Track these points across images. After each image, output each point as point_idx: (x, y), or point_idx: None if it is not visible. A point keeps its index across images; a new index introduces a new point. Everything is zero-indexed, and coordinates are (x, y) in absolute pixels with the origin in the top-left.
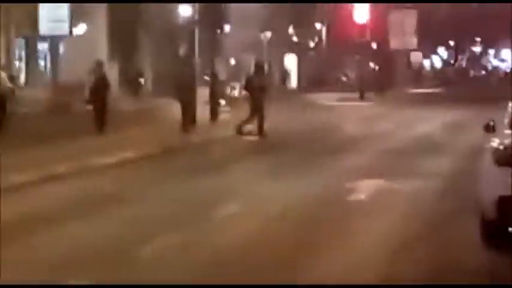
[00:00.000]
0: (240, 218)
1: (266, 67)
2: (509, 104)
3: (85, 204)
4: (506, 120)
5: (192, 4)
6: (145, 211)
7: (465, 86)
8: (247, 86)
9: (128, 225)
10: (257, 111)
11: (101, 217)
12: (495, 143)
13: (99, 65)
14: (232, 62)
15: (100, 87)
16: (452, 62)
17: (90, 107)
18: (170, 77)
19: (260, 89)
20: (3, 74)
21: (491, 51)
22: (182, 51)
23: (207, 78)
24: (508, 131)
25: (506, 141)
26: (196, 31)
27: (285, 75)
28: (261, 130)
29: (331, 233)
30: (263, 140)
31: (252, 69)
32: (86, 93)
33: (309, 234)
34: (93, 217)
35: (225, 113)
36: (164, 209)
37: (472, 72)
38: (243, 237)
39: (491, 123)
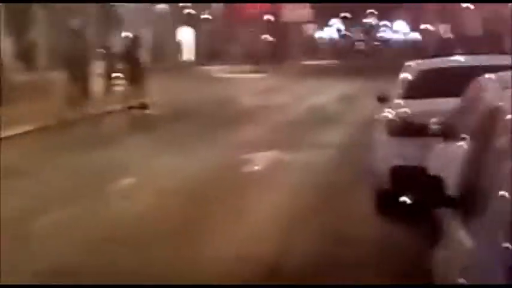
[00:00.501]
0: (133, 191)
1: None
2: (401, 75)
3: None
4: (398, 91)
5: None
6: (37, 185)
7: (356, 59)
8: (122, 60)
9: (21, 199)
10: (133, 84)
11: None
12: (387, 113)
13: None
14: (125, 35)
15: None
16: (346, 34)
17: None
18: (61, 50)
19: (136, 61)
20: None
21: (385, 23)
22: (77, 23)
23: (102, 51)
24: (399, 101)
25: (398, 111)
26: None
27: (179, 47)
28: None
29: (225, 206)
30: (157, 112)
31: (129, 42)
32: None
33: (203, 207)
34: None
35: (120, 86)
36: (57, 182)
37: (365, 44)
38: (136, 212)
39: (384, 94)
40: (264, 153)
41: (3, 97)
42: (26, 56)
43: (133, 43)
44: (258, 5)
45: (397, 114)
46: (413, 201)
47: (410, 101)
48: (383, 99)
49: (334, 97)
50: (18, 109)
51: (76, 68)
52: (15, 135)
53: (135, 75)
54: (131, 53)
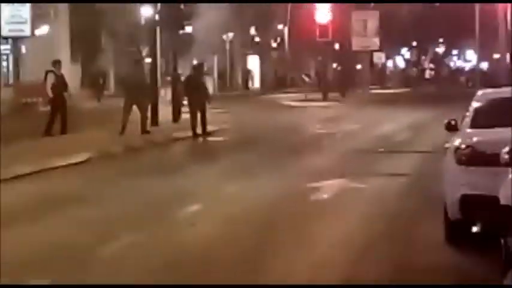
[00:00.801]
0: (201, 218)
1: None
2: (471, 104)
3: (45, 204)
4: (468, 120)
5: (153, 4)
6: (103, 211)
7: (428, 87)
8: (186, 88)
9: (88, 225)
10: (197, 111)
11: (61, 217)
12: (456, 142)
13: (56, 64)
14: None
15: (58, 86)
16: (415, 62)
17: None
18: (128, 78)
19: (199, 89)
20: None
21: (455, 52)
22: (144, 52)
23: (169, 78)
24: (468, 130)
25: (468, 140)
26: (158, 32)
27: (247, 76)
28: (204, 130)
29: (294, 232)
30: (224, 140)
31: (191, 70)
32: (48, 93)
33: (272, 234)
34: (53, 217)
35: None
36: (123, 209)
37: (435, 73)
38: (204, 238)
39: (453, 122)
40: (332, 182)
41: (71, 124)
42: (93, 83)
43: (197, 70)
44: (328, 33)
45: (466, 143)
46: (484, 230)
47: (480, 130)
48: (452, 128)
49: (402, 125)
50: (85, 136)
51: (143, 95)
52: (82, 161)
53: (200, 102)
54: (195, 80)
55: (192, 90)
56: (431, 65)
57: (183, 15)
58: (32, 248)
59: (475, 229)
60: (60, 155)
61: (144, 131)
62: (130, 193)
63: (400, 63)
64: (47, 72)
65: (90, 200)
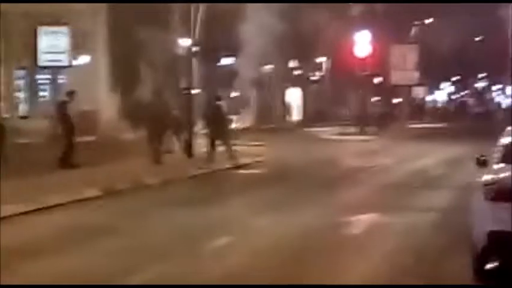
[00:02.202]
0: (231, 250)
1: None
2: (500, 139)
3: (74, 235)
4: (496, 155)
5: (191, 36)
6: (135, 242)
7: (467, 122)
8: (206, 120)
9: (117, 256)
10: (219, 141)
11: (90, 248)
12: (486, 177)
13: (71, 94)
14: (234, 95)
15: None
16: (455, 97)
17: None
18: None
19: (218, 121)
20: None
21: (495, 87)
22: (182, 83)
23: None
24: (497, 166)
25: (496, 176)
26: (195, 63)
27: (286, 108)
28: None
29: (322, 266)
30: (261, 172)
31: (212, 102)
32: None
33: (301, 268)
34: (82, 248)
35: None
36: (154, 241)
37: (474, 108)
38: (233, 270)
39: (483, 158)
40: (364, 216)
41: (108, 155)
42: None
43: (214, 103)
44: (368, 67)
45: (493, 178)
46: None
47: (508, 166)
48: (482, 163)
49: (438, 160)
50: (121, 167)
51: (179, 127)
52: (115, 192)
53: (222, 134)
54: (216, 113)
55: (211, 121)
56: (472, 100)
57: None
58: (60, 279)
59: (489, 266)
60: (93, 186)
61: (155, 161)
62: (162, 224)
63: (440, 97)
64: (63, 103)
65: (120, 231)
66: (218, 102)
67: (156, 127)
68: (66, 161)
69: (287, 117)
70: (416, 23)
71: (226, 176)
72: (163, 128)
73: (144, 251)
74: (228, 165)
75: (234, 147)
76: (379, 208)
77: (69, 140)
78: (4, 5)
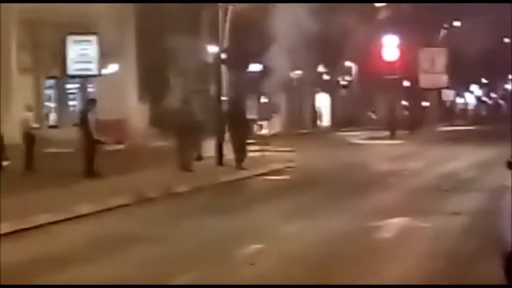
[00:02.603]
0: (262, 257)
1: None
2: None
3: (105, 244)
4: None
5: (219, 42)
6: (165, 250)
7: (497, 124)
8: (227, 125)
9: (148, 264)
10: (237, 145)
11: (120, 256)
12: None
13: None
14: (263, 100)
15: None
16: (484, 99)
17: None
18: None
19: (237, 124)
20: (30, 115)
21: None
22: (211, 90)
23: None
24: None
25: None
26: (224, 70)
27: (315, 113)
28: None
29: (354, 271)
30: (290, 178)
31: (229, 105)
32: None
33: (331, 273)
34: (112, 257)
35: (253, 152)
36: (184, 248)
37: (505, 110)
38: (262, 277)
39: None
40: (395, 220)
41: (138, 163)
42: (160, 122)
43: (238, 102)
44: (396, 70)
45: None
46: None
47: None
48: None
49: (468, 163)
50: (151, 175)
51: (181, 134)
52: (145, 200)
53: (240, 134)
54: (237, 113)
55: (233, 123)
56: (502, 102)
57: (250, 53)
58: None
59: None
60: (123, 194)
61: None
62: (192, 232)
63: (470, 100)
64: (85, 112)
65: (151, 239)
66: (238, 106)
67: (184, 134)
68: (90, 170)
69: (317, 122)
70: (444, 25)
71: (256, 183)
72: (191, 136)
73: (175, 259)
74: (259, 171)
75: (248, 154)
76: (409, 212)
77: (90, 148)
78: (33, 15)
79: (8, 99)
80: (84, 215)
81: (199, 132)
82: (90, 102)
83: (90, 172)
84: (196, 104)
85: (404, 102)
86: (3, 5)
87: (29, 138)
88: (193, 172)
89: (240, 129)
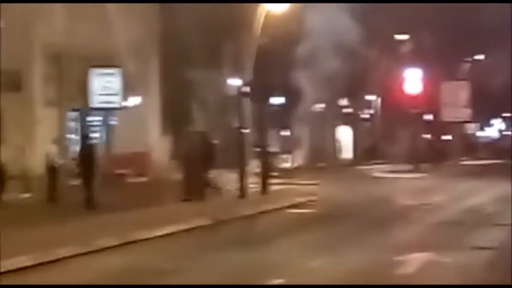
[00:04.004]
0: None
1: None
2: None
3: (126, 277)
4: None
5: (242, 76)
6: (188, 283)
7: None
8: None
9: None
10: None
11: None
12: None
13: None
14: (285, 134)
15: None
16: (507, 133)
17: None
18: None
19: (199, 159)
20: (54, 148)
21: None
22: (234, 123)
23: (257, 150)
24: None
25: None
26: (246, 102)
27: (337, 147)
28: None
29: None
30: (313, 212)
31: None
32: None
33: None
34: None
35: (276, 185)
36: (206, 281)
37: None
38: None
39: None
40: (418, 255)
41: (159, 196)
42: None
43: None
44: (418, 104)
45: None
46: None
47: None
48: None
49: (491, 197)
50: (172, 208)
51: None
52: (167, 234)
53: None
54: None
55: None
56: None
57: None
58: None
59: None
60: (142, 228)
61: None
62: (214, 266)
63: (493, 133)
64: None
65: (172, 273)
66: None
67: (190, 165)
68: (90, 202)
69: (338, 156)
70: (467, 59)
71: (279, 216)
72: (198, 165)
73: None
74: (282, 205)
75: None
76: (432, 246)
77: (89, 181)
78: (57, 48)
79: (32, 131)
80: (104, 249)
81: (208, 162)
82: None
83: (91, 204)
84: (215, 135)
85: (426, 136)
86: (29, 37)
87: (53, 171)
88: (215, 205)
89: (199, 164)
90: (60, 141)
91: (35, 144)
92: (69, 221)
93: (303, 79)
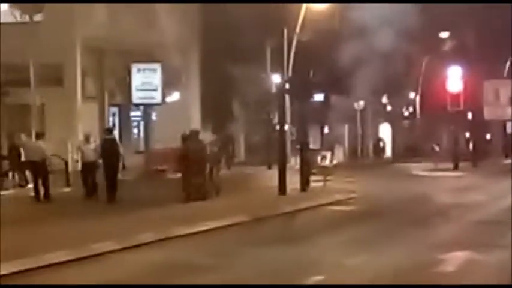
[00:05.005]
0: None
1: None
2: None
3: (163, 273)
4: None
5: (283, 72)
6: (223, 280)
7: None
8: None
9: None
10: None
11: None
12: None
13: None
14: (326, 130)
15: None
16: None
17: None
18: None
19: (195, 155)
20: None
21: None
22: (274, 119)
23: (299, 147)
24: None
25: None
26: (287, 100)
27: (378, 144)
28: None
29: None
30: (352, 209)
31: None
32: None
33: None
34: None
35: (316, 182)
36: (244, 278)
37: None
38: None
39: None
40: (458, 253)
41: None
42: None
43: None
44: (460, 102)
45: None
46: None
47: None
48: None
49: None
50: (210, 204)
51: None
52: (208, 230)
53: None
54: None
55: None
56: None
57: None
58: None
59: None
60: (183, 223)
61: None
62: (252, 262)
63: None
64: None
65: (210, 269)
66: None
67: (188, 163)
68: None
69: (379, 153)
70: (510, 57)
71: (318, 213)
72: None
73: None
74: (322, 202)
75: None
76: (472, 245)
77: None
78: (98, 43)
79: (73, 126)
80: (144, 244)
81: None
82: (108, 130)
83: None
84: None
85: (467, 134)
86: (69, 33)
87: (88, 166)
88: (257, 202)
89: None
90: (90, 136)
91: (75, 138)
92: (107, 216)
93: (344, 76)
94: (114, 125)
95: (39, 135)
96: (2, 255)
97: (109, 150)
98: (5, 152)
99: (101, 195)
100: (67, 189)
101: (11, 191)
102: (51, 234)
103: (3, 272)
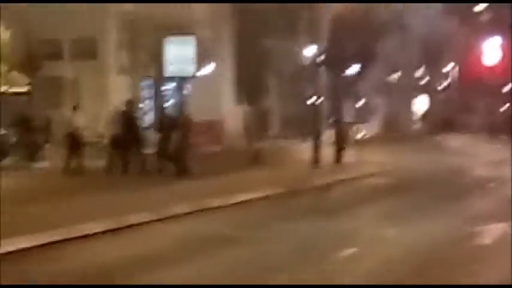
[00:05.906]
0: (358, 261)
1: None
2: None
3: (195, 244)
4: None
5: (317, 44)
6: (257, 252)
7: None
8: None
9: (238, 266)
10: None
11: (212, 258)
12: None
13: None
14: (360, 103)
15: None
16: None
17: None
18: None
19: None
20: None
21: None
22: (308, 92)
23: (332, 121)
24: None
25: None
26: (321, 71)
27: (413, 116)
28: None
29: (453, 276)
30: (386, 182)
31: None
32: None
33: (429, 278)
34: (205, 258)
35: (350, 155)
36: (279, 250)
37: None
38: (361, 280)
39: None
40: (495, 225)
41: (232, 165)
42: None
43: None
44: (496, 74)
45: None
46: None
47: None
48: None
49: None
50: (244, 176)
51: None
52: (239, 202)
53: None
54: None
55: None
56: None
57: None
58: None
59: None
60: (214, 196)
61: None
62: (286, 235)
63: None
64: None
65: (242, 241)
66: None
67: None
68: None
69: (414, 125)
70: None
71: (352, 185)
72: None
73: (267, 262)
74: (354, 175)
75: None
76: (509, 218)
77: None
78: (131, 17)
79: (106, 99)
80: (175, 216)
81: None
82: (128, 103)
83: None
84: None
85: (504, 107)
86: (103, 6)
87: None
88: (287, 174)
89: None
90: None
91: (108, 111)
92: (142, 188)
93: (379, 48)
94: (147, 98)
95: (74, 108)
96: (36, 226)
97: (169, 124)
98: (40, 124)
99: (136, 168)
100: (102, 162)
101: (46, 163)
102: (85, 206)
103: (35, 243)
